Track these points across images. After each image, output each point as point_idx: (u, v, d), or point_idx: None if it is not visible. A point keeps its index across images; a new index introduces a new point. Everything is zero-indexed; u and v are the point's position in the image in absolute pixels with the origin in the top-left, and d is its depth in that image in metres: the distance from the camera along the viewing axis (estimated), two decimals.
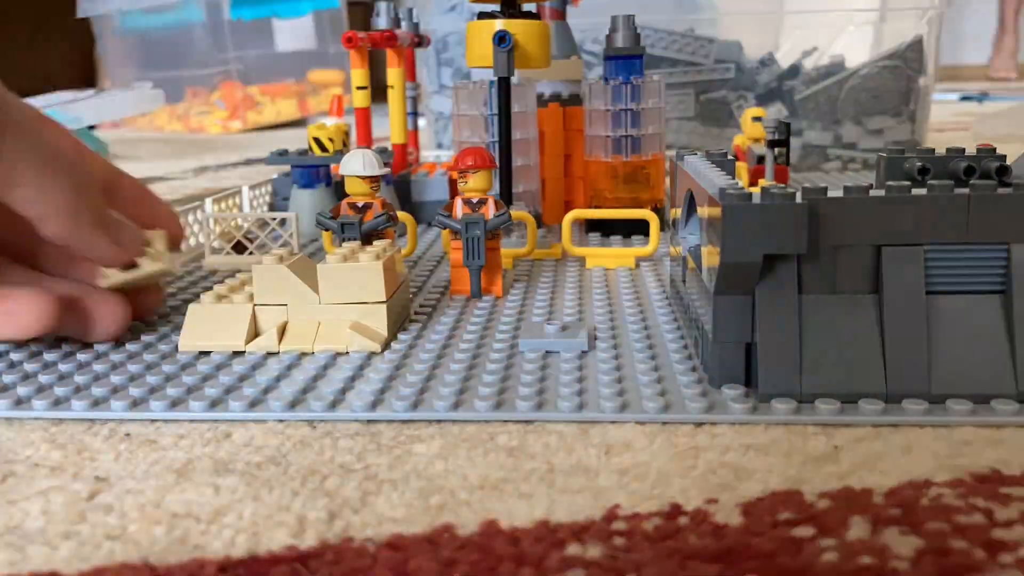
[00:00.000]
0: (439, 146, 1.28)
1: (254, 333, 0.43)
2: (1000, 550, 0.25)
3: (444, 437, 0.34)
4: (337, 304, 0.43)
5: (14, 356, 0.43)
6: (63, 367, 0.41)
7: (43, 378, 0.40)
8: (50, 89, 1.56)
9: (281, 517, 0.28)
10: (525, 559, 0.25)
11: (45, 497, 0.30)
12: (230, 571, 0.25)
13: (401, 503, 0.29)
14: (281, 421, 0.36)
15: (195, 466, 0.32)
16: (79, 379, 0.39)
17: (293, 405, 0.37)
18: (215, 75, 2.15)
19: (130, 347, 0.44)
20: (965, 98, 2.28)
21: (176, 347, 0.43)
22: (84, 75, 2.18)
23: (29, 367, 0.41)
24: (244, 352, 0.43)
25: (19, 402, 0.37)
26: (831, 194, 0.35)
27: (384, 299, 0.43)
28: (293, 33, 2.32)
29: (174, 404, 0.37)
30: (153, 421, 0.36)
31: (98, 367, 0.41)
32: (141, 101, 1.46)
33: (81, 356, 0.43)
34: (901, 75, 1.08)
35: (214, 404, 0.37)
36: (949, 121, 1.66)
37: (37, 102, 1.47)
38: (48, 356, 0.43)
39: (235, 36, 2.13)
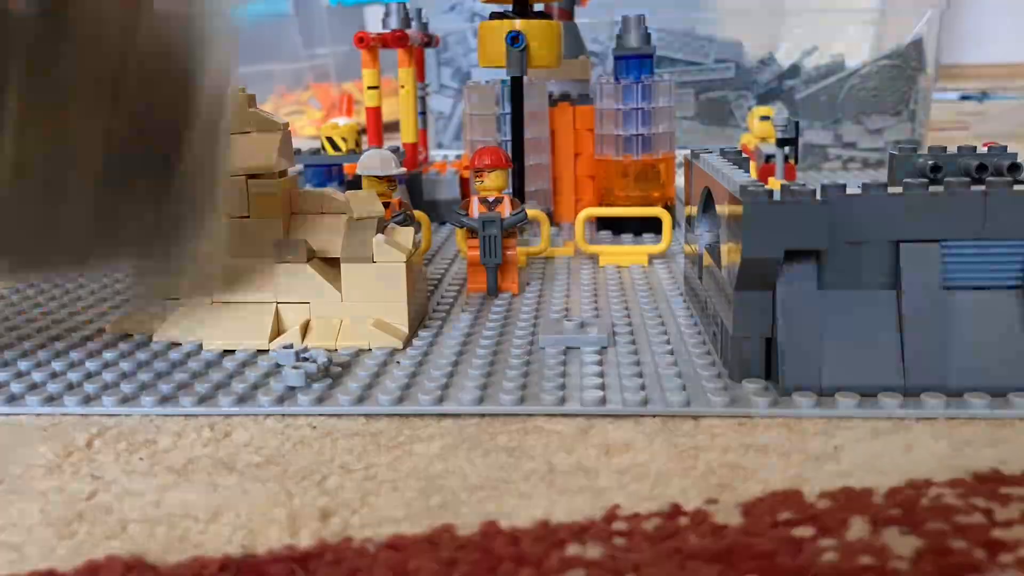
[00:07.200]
0: (439, 146, 1.28)
1: (277, 331, 0.44)
2: (1000, 550, 0.25)
3: (444, 437, 0.34)
4: (359, 302, 0.44)
5: (48, 355, 0.43)
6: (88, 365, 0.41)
7: (63, 377, 0.40)
8: None
9: (280, 517, 0.28)
10: (525, 559, 0.25)
11: (44, 497, 0.30)
12: (230, 570, 0.25)
13: (401, 503, 0.29)
14: (295, 416, 0.36)
15: (195, 466, 0.32)
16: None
17: (320, 400, 0.37)
18: (304, 71, 1.96)
19: (155, 347, 0.44)
20: (965, 97, 2.28)
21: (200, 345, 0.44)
22: None
23: (55, 365, 0.41)
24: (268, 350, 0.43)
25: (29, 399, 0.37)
26: (850, 191, 0.36)
27: (406, 297, 0.44)
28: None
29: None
30: (151, 419, 0.36)
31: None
32: None
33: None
34: (901, 75, 1.08)
35: (242, 399, 0.37)
36: (949, 120, 1.66)
37: None
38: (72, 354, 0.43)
39: (319, 30, 1.94)
